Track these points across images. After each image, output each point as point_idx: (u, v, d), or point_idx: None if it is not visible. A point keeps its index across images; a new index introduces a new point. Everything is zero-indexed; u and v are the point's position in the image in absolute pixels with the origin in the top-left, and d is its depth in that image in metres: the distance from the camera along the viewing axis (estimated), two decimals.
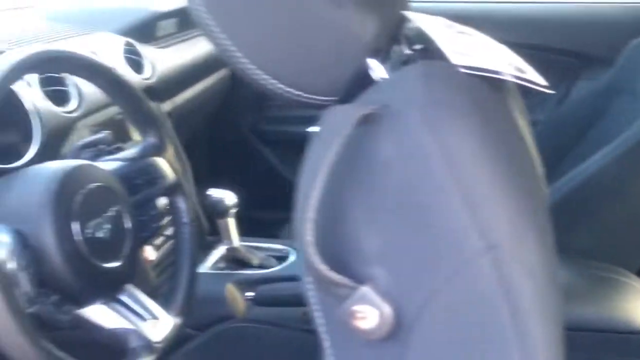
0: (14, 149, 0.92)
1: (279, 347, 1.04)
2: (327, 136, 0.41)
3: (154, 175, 0.90)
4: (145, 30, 1.39)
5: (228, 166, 1.89)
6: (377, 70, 0.49)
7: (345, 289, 0.41)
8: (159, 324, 0.82)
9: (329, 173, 0.40)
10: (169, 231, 1.06)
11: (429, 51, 0.54)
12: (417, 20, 0.52)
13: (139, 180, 0.88)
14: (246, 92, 1.91)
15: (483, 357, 0.40)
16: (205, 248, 1.27)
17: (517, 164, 0.48)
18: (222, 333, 1.07)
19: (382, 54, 0.49)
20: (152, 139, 0.91)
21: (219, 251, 1.24)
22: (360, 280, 0.41)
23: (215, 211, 1.17)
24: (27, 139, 0.94)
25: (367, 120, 0.42)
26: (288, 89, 0.49)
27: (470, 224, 0.41)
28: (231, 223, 1.19)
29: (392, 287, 0.41)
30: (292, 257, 1.22)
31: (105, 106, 1.17)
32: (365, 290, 0.41)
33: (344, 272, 0.41)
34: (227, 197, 1.17)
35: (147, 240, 0.99)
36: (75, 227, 0.73)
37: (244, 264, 1.21)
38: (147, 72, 1.33)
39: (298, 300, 1.11)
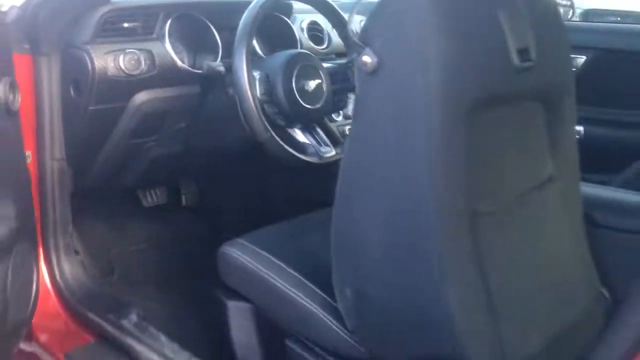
0: None
1: None
2: None
3: (350, 77, 1.51)
4: None
5: None
6: None
7: (360, 48, 0.94)
8: (330, 150, 1.42)
9: None
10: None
11: None
12: None
13: (339, 76, 1.50)
14: None
15: None
16: None
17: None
18: None
19: None
20: (355, 55, 1.52)
21: None
22: (367, 44, 0.94)
23: None
24: None
25: None
26: None
27: None
28: None
29: (380, 51, 0.92)
30: None
31: (342, 54, 1.82)
32: (369, 49, 0.93)
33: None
34: None
35: (334, 111, 1.59)
36: (293, 80, 1.37)
37: None
38: None
39: None
